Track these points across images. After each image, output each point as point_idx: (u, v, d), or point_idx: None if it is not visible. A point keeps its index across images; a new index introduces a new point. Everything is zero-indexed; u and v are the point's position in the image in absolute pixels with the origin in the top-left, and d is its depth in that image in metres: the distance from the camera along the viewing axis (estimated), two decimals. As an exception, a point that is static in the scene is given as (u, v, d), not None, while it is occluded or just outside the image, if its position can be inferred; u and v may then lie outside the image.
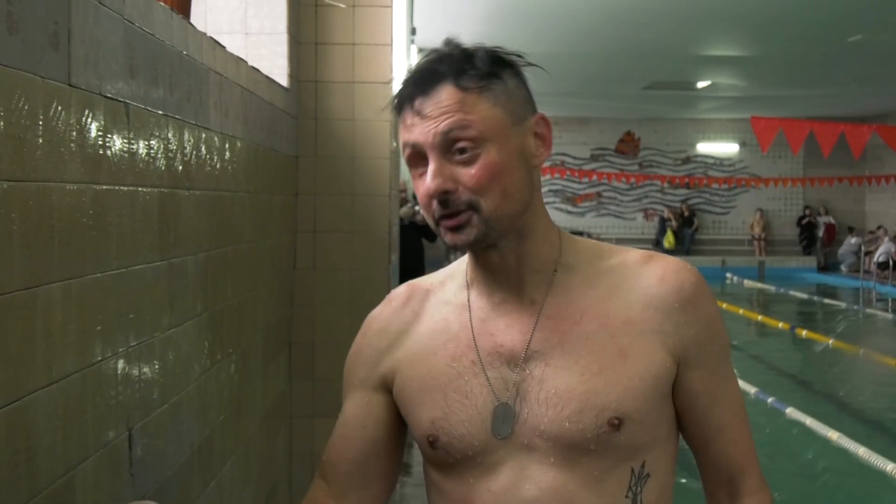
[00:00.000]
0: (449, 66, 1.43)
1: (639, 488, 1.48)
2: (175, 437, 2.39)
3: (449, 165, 1.42)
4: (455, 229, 1.44)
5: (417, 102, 1.43)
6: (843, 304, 17.61)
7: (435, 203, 1.43)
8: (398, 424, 1.63)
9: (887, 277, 20.76)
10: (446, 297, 1.59)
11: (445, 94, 1.41)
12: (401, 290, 1.68)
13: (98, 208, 1.83)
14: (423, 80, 1.44)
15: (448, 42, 1.48)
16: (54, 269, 1.64)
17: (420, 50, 14.37)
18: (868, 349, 11.66)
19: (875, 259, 21.56)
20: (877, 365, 11.13)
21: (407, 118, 1.44)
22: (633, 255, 1.55)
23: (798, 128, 14.26)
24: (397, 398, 1.60)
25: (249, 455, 3.37)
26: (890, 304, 18.29)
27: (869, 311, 16.98)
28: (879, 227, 23.62)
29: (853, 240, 23.82)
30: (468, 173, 1.41)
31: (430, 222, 1.46)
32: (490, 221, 1.43)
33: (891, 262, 21.19)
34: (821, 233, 25.21)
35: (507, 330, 1.51)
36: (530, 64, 1.51)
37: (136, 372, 2.07)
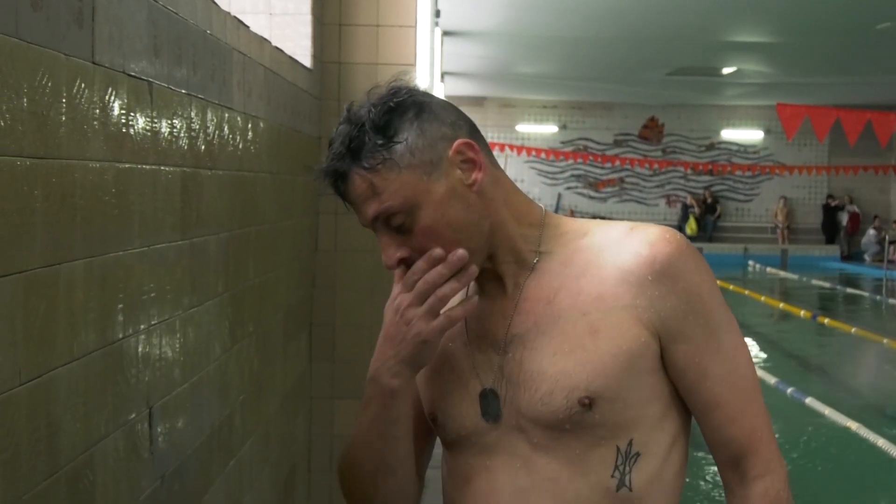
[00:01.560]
0: (346, 154, 1.44)
1: (626, 468, 1.47)
2: (195, 417, 2.40)
3: (396, 235, 1.45)
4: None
5: (343, 194, 1.47)
6: (865, 294, 17.51)
7: (399, 270, 1.48)
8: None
9: (911, 267, 20.60)
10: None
11: (356, 182, 1.44)
12: None
13: (120, 187, 1.83)
14: (335, 180, 1.46)
15: (343, 117, 1.48)
16: (76, 247, 1.64)
17: (445, 33, 14.33)
18: (891, 338, 11.58)
19: (900, 248, 21.39)
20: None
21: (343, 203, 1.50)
22: (617, 229, 1.53)
23: (824, 115, 14.17)
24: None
25: (269, 435, 3.38)
26: (913, 294, 18.16)
27: (892, 300, 16.86)
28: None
29: (872, 231, 23.65)
30: (412, 240, 1.45)
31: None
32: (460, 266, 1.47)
33: (915, 252, 21.02)
34: (845, 221, 25.04)
35: (492, 315, 1.53)
36: (431, 98, 1.49)
37: (156, 351, 2.08)
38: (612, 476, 1.46)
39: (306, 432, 4.31)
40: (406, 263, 1.47)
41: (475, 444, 1.53)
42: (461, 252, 1.44)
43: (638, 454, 1.47)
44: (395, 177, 1.42)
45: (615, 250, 1.48)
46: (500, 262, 1.52)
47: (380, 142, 1.42)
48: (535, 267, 1.52)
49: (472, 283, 1.56)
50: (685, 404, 1.53)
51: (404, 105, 1.45)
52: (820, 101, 20.82)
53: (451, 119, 1.49)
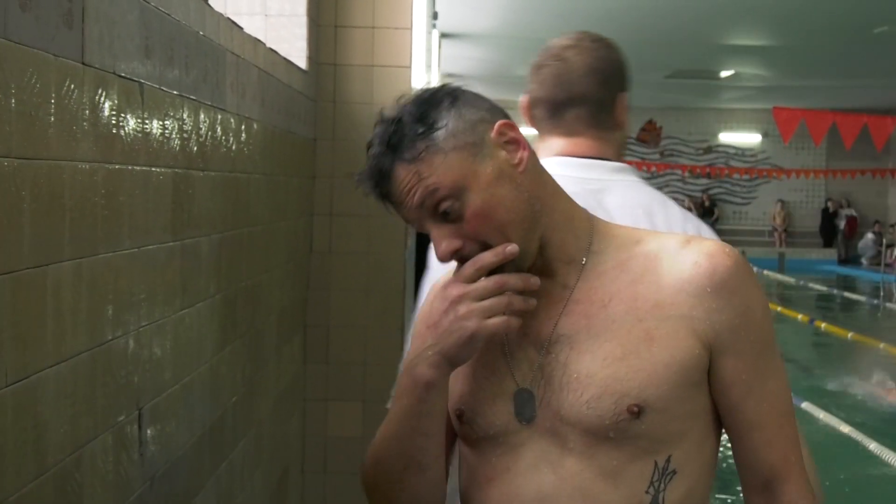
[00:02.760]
0: (386, 150, 1.41)
1: (662, 485, 1.43)
2: (186, 418, 2.39)
3: (446, 226, 1.41)
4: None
5: (387, 196, 1.43)
6: (863, 298, 17.52)
7: (455, 261, 1.44)
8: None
9: (908, 271, 20.62)
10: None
11: (401, 176, 1.40)
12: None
13: (110, 188, 1.83)
14: (378, 179, 1.42)
15: (377, 119, 1.46)
16: (65, 248, 1.64)
17: (443, 35, 14.32)
18: (888, 343, 11.59)
19: (896, 252, 21.43)
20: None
21: (389, 206, 1.45)
22: (673, 239, 1.51)
23: (820, 119, 14.18)
24: None
25: (262, 437, 3.38)
26: (910, 298, 18.18)
27: (889, 304, 16.87)
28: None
29: (870, 234, 23.69)
30: (464, 227, 1.41)
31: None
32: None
33: (912, 256, 21.05)
34: (842, 225, 25.07)
35: (536, 313, 1.47)
36: (463, 88, 1.48)
37: (146, 352, 2.08)
38: (647, 492, 1.42)
39: (300, 434, 4.31)
40: (460, 256, 1.43)
41: (502, 444, 1.48)
42: (513, 247, 1.41)
43: (674, 472, 1.43)
44: (440, 161, 1.39)
45: (673, 260, 1.46)
46: (550, 257, 1.48)
47: (420, 130, 1.40)
48: (584, 267, 1.49)
49: None
50: (719, 428, 1.51)
51: (438, 95, 1.44)
52: (817, 104, 20.83)
53: (487, 106, 1.47)
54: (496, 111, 1.47)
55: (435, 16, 10.40)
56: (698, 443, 1.46)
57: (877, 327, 13.88)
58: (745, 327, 1.44)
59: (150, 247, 2.08)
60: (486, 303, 1.41)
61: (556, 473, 1.44)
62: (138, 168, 1.99)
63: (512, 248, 1.40)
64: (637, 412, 1.39)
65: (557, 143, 2.03)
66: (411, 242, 4.73)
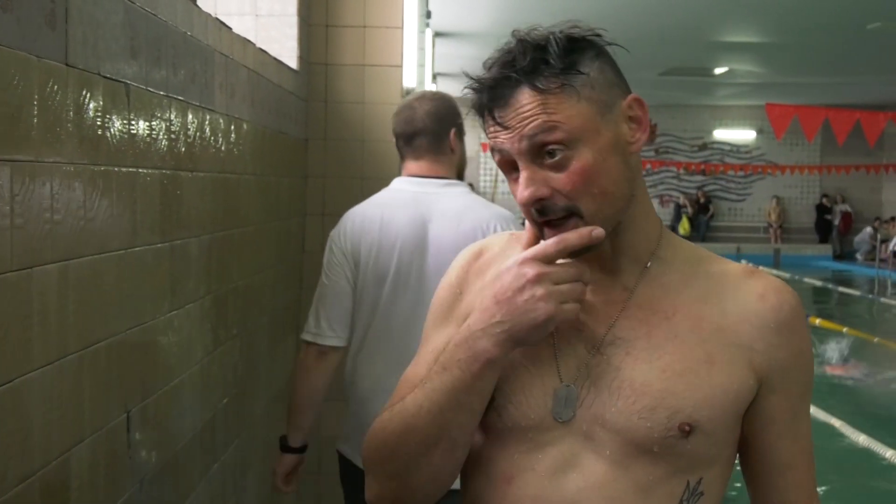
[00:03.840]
0: (522, 67, 1.33)
1: None
2: (176, 420, 2.39)
3: (541, 171, 1.34)
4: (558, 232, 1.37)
5: (497, 113, 1.35)
6: (858, 293, 17.53)
7: (533, 210, 1.36)
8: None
9: (903, 266, 20.65)
10: None
11: (524, 100, 1.33)
12: (503, 237, 1.58)
13: (96, 189, 1.82)
14: (497, 88, 1.35)
15: (516, 36, 1.38)
16: (50, 251, 1.63)
17: (437, 34, 14.31)
18: (882, 337, 11.61)
19: (891, 247, 21.46)
20: (890, 352, 11.08)
21: (490, 126, 1.37)
22: (735, 266, 1.48)
23: (813, 115, 14.19)
24: None
25: (255, 438, 3.37)
26: (905, 293, 18.20)
27: (884, 299, 16.89)
28: (894, 218, 23.51)
29: (869, 229, 23.72)
30: (561, 179, 1.33)
31: (532, 224, 1.40)
32: (593, 224, 1.35)
33: (907, 251, 21.09)
34: (837, 221, 25.10)
35: (591, 311, 1.42)
36: (610, 44, 1.41)
37: (135, 355, 2.07)
38: None
39: (294, 434, 4.29)
40: (541, 207, 1.35)
41: (530, 439, 1.39)
42: (599, 231, 1.34)
43: (702, 493, 1.40)
44: (572, 104, 1.32)
45: (737, 288, 1.44)
46: (619, 250, 1.43)
47: (562, 66, 1.33)
48: (648, 271, 1.44)
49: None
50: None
51: (582, 43, 1.37)
52: (811, 100, 20.85)
53: (622, 77, 1.42)
54: (625, 83, 1.42)
55: (428, 15, 10.39)
56: (723, 469, 1.44)
57: (871, 322, 13.89)
58: (796, 368, 1.43)
59: (138, 248, 2.07)
60: (565, 287, 1.34)
61: (586, 480, 1.37)
62: (125, 169, 1.98)
63: (598, 232, 1.34)
64: (688, 431, 1.35)
65: (409, 164, 2.90)
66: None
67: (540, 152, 1.33)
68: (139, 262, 2.08)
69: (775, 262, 22.58)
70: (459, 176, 2.98)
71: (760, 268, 1.53)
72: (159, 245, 2.22)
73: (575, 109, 1.32)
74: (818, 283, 18.47)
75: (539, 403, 1.39)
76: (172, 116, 2.29)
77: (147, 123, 2.11)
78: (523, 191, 1.34)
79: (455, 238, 2.70)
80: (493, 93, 1.35)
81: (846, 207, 25.24)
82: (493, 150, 1.38)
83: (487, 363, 1.34)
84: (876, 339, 11.41)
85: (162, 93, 2.20)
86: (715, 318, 1.41)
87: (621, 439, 1.36)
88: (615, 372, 1.38)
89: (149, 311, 2.16)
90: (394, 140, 2.98)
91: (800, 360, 1.44)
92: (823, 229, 25.40)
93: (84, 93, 1.75)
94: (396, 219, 2.79)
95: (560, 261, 1.35)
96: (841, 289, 17.88)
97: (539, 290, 1.32)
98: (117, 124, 1.93)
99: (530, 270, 1.33)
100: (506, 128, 1.34)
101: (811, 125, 13.75)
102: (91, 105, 1.79)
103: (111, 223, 1.91)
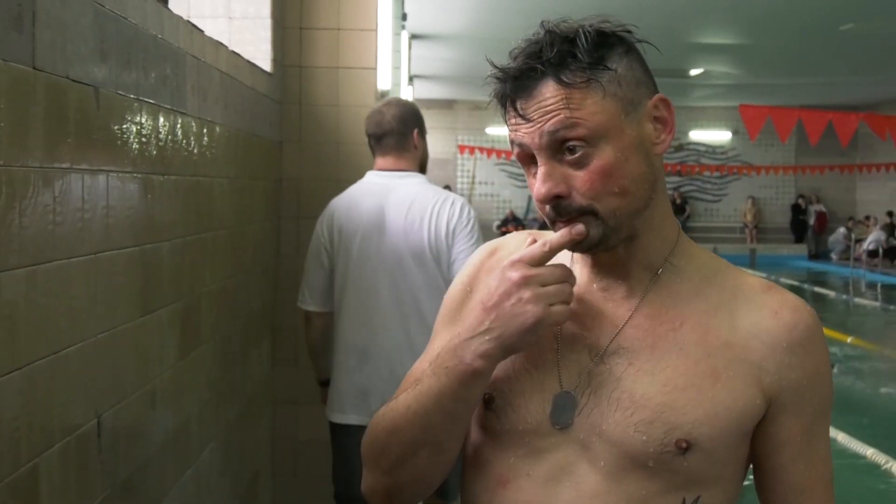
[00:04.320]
0: (548, 59, 1.30)
1: None
2: (148, 425, 2.37)
3: (560, 167, 1.31)
4: None
5: (519, 104, 1.32)
6: (832, 293, 17.66)
7: (548, 208, 1.33)
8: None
9: (877, 265, 20.83)
10: (556, 259, 1.40)
11: (548, 93, 1.30)
12: (520, 237, 1.52)
13: (64, 193, 1.81)
14: (521, 79, 1.31)
15: (545, 27, 1.34)
16: (17, 255, 1.62)
17: (413, 36, 14.31)
18: (855, 336, 11.69)
19: (865, 247, 21.63)
20: (864, 351, 11.17)
21: (511, 117, 1.34)
22: (753, 280, 1.42)
23: (786, 116, 14.26)
24: None
25: (229, 442, 3.35)
26: (879, 292, 18.35)
27: (858, 299, 17.02)
28: (868, 218, 23.70)
29: (842, 230, 23.90)
30: (581, 177, 1.30)
31: (547, 221, 1.37)
32: (609, 225, 1.32)
33: (880, 250, 21.27)
34: (812, 220, 25.28)
35: (597, 317, 1.40)
36: (640, 41, 1.38)
37: (105, 359, 2.06)
38: None
39: (269, 438, 4.28)
40: (557, 205, 1.32)
41: (526, 444, 1.37)
42: (580, 227, 1.31)
43: None
44: (596, 101, 1.29)
45: (751, 302, 1.38)
46: (632, 254, 1.39)
47: (589, 61, 1.30)
48: (658, 278, 1.40)
49: (587, 268, 1.43)
50: (745, 472, 1.43)
51: (612, 39, 1.34)
52: (785, 101, 20.98)
53: (651, 76, 1.39)
54: (653, 82, 1.39)
55: (404, 17, 10.38)
56: (726, 490, 1.38)
57: (845, 321, 13.99)
58: (811, 390, 1.37)
59: (108, 252, 2.05)
60: (552, 288, 1.30)
61: (578, 490, 1.35)
62: (94, 173, 1.97)
63: (579, 228, 1.31)
64: (685, 448, 1.31)
65: (378, 160, 3.48)
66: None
67: (560, 148, 1.31)
68: (110, 266, 2.07)
69: (751, 262, 22.71)
70: (422, 169, 3.53)
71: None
72: (130, 249, 2.21)
73: (599, 106, 1.30)
74: (794, 283, 18.59)
75: (538, 408, 1.37)
76: (143, 120, 2.28)
77: (117, 127, 2.10)
78: (540, 186, 1.32)
79: (405, 220, 3.34)
80: (516, 83, 1.32)
81: (821, 207, 25.41)
82: (512, 142, 1.35)
83: (474, 373, 1.32)
84: (850, 339, 11.48)
85: (132, 96, 2.19)
86: (724, 332, 1.36)
87: (617, 451, 1.33)
88: (616, 382, 1.35)
89: (120, 315, 2.14)
90: (367, 142, 3.55)
91: (815, 381, 1.38)
92: (799, 229, 25.57)
93: (52, 96, 1.74)
94: (361, 206, 3.40)
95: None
96: (816, 289, 18.00)
97: (526, 293, 1.29)
98: (86, 128, 1.91)
99: (515, 274, 1.30)
100: (527, 120, 1.31)
101: (784, 126, 13.82)
102: (59, 108, 1.77)
103: (81, 227, 1.90)
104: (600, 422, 1.34)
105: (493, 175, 25.17)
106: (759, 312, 1.37)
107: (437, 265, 3.33)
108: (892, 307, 16.04)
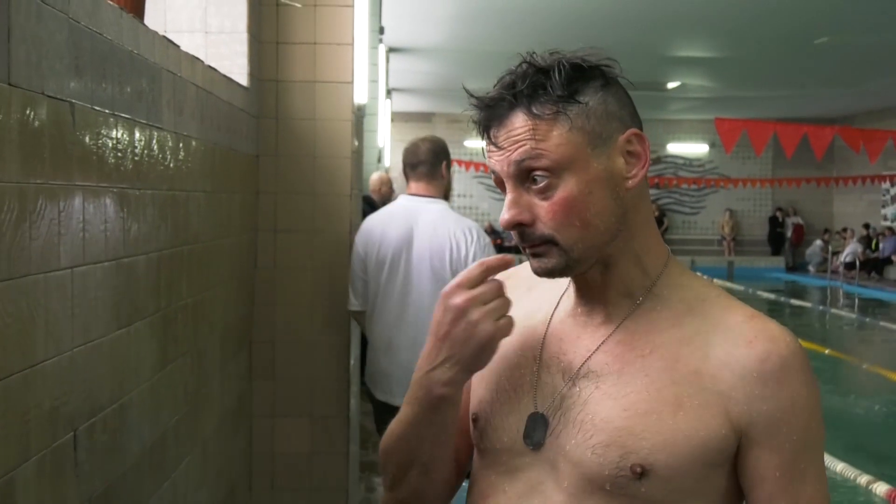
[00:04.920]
0: (521, 90, 1.35)
1: None
2: (124, 439, 2.38)
3: (526, 195, 1.36)
4: (536, 255, 1.39)
5: (492, 132, 1.37)
6: (809, 304, 17.77)
7: (514, 233, 1.39)
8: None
9: (854, 277, 20.97)
10: (551, 285, 1.50)
11: (518, 123, 1.35)
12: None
13: (40, 208, 1.82)
14: (495, 108, 1.37)
15: (524, 60, 1.38)
16: (-8, 270, 1.63)
17: (390, 49, 14.35)
18: (832, 349, 11.77)
19: (842, 259, 21.78)
20: (841, 363, 11.24)
21: (487, 144, 1.40)
22: (740, 309, 1.41)
23: (762, 129, 14.37)
24: None
25: (206, 455, 3.36)
26: (856, 304, 18.48)
27: (834, 310, 17.13)
28: (845, 230, 23.88)
29: (819, 242, 24.08)
30: (544, 207, 1.35)
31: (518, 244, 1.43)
32: (570, 254, 1.36)
33: (857, 263, 21.41)
34: (789, 233, 25.45)
35: (574, 341, 1.44)
36: (619, 76, 1.41)
37: (81, 373, 2.06)
38: None
39: (247, 452, 4.28)
40: (522, 232, 1.37)
41: (504, 462, 1.44)
42: (509, 257, 1.38)
43: None
44: (562, 133, 1.33)
45: (730, 331, 1.37)
46: (609, 283, 1.42)
47: (560, 94, 1.34)
48: (638, 307, 1.42)
49: (573, 293, 1.47)
50: None
51: (593, 72, 1.38)
52: (762, 114, 21.15)
53: (630, 110, 1.42)
54: (635, 118, 1.43)
55: (381, 30, 10.42)
56: None
57: (822, 333, 14.08)
58: (788, 423, 1.34)
59: (83, 267, 2.06)
60: (493, 304, 1.36)
61: None
62: (70, 187, 1.98)
63: (509, 258, 1.39)
64: (640, 473, 1.32)
65: (411, 185, 4.19)
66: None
67: (527, 177, 1.35)
68: (86, 280, 2.08)
69: (729, 274, 22.85)
70: (445, 197, 4.23)
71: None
72: (106, 263, 2.22)
73: (565, 138, 1.34)
74: (771, 296, 18.69)
75: (513, 428, 1.43)
76: (119, 134, 2.29)
77: (93, 142, 2.11)
78: (505, 213, 1.37)
79: (430, 242, 4.05)
80: (490, 112, 1.38)
81: (798, 220, 25.60)
82: (489, 169, 1.41)
83: (441, 399, 1.40)
84: (827, 351, 11.56)
85: (108, 111, 2.20)
86: (694, 360, 1.36)
87: (577, 473, 1.36)
88: (583, 405, 1.38)
89: (96, 329, 2.15)
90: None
91: (792, 415, 1.33)
92: (776, 241, 25.75)
93: (28, 112, 1.75)
94: (393, 225, 4.12)
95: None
96: (793, 301, 18.11)
97: (473, 315, 1.35)
98: (62, 143, 1.93)
99: (458, 299, 1.36)
100: (499, 148, 1.37)
101: (760, 139, 13.93)
102: (35, 124, 1.79)
103: (56, 242, 1.91)
104: (565, 443, 1.38)
105: (472, 188, 25.24)
106: (734, 341, 1.36)
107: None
108: (868, 319, 16.16)
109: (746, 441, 1.35)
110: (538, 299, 1.53)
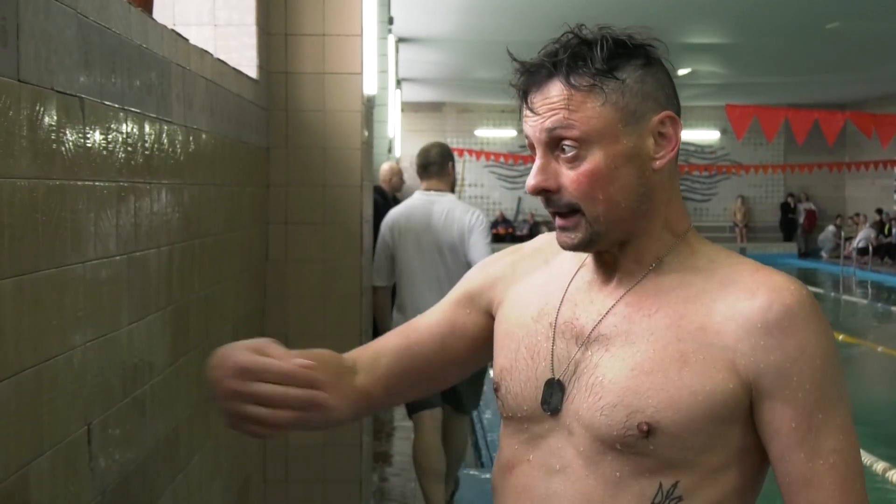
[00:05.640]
0: (561, 59, 1.38)
1: None
2: (138, 431, 2.39)
3: (555, 163, 1.40)
4: (563, 229, 1.42)
5: (530, 97, 1.41)
6: (822, 290, 17.72)
7: (541, 198, 1.43)
8: (466, 355, 1.66)
9: (867, 263, 20.90)
10: (570, 256, 1.54)
11: (554, 91, 1.38)
12: (548, 236, 1.62)
13: (52, 203, 1.83)
14: (535, 74, 1.40)
15: (571, 31, 1.42)
16: (5, 265, 1.63)
17: (400, 39, 14.33)
18: (847, 334, 11.75)
19: (854, 245, 21.70)
20: (854, 348, 11.22)
21: (524, 108, 1.43)
22: (747, 265, 1.42)
23: (773, 115, 14.35)
24: (494, 332, 1.61)
25: (220, 447, 3.37)
26: (869, 289, 18.41)
27: (847, 296, 17.08)
28: (857, 215, 23.79)
29: (832, 228, 24.00)
30: (570, 177, 1.38)
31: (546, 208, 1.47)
32: (595, 227, 1.39)
33: (870, 248, 21.34)
34: (801, 219, 25.36)
35: (587, 306, 1.46)
36: (660, 56, 1.44)
37: (95, 367, 2.07)
38: None
39: (260, 443, 4.29)
40: (548, 198, 1.41)
41: (526, 430, 1.47)
42: (309, 369, 1.54)
43: (680, 498, 1.36)
44: (595, 106, 1.36)
45: (734, 286, 1.38)
46: (625, 255, 1.45)
47: (598, 67, 1.37)
48: (647, 274, 1.44)
49: (591, 261, 1.50)
50: (758, 463, 1.41)
51: (639, 50, 1.42)
52: (772, 100, 21.06)
53: (669, 92, 1.44)
54: (672, 101, 1.44)
55: (390, 21, 10.42)
56: (714, 477, 1.37)
57: (836, 319, 14.05)
58: (798, 373, 1.32)
59: (95, 261, 2.07)
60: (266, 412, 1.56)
61: (566, 473, 1.42)
62: (81, 183, 1.98)
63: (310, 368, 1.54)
64: (646, 431, 1.34)
65: (424, 182, 5.26)
66: (367, 243, 4.74)
67: (557, 145, 1.39)
68: (98, 274, 2.09)
69: (741, 261, 22.78)
70: (451, 190, 5.29)
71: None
72: (118, 257, 2.23)
73: (597, 111, 1.37)
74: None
75: (531, 396, 1.46)
76: (128, 129, 2.29)
77: (103, 136, 2.11)
78: (531, 178, 1.41)
79: (443, 225, 5.08)
80: (529, 77, 1.41)
81: (810, 206, 25.52)
82: (524, 133, 1.45)
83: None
84: (841, 337, 11.54)
85: (117, 105, 2.21)
86: (699, 316, 1.37)
87: (590, 435, 1.39)
88: (594, 368, 1.41)
89: (108, 323, 2.16)
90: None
91: (802, 364, 1.32)
92: (788, 228, 25.67)
93: (38, 108, 1.76)
94: (414, 214, 5.16)
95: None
96: (808, 287, 18.06)
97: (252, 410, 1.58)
98: (72, 138, 1.93)
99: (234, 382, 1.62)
100: (534, 113, 1.40)
101: (771, 125, 13.90)
102: (45, 119, 1.79)
103: (68, 237, 1.91)
104: (578, 407, 1.41)
105: (483, 177, 25.22)
106: (738, 294, 1.37)
107: (462, 252, 5.02)
108: (881, 304, 16.11)
109: (757, 394, 1.34)
110: (555, 270, 1.56)
